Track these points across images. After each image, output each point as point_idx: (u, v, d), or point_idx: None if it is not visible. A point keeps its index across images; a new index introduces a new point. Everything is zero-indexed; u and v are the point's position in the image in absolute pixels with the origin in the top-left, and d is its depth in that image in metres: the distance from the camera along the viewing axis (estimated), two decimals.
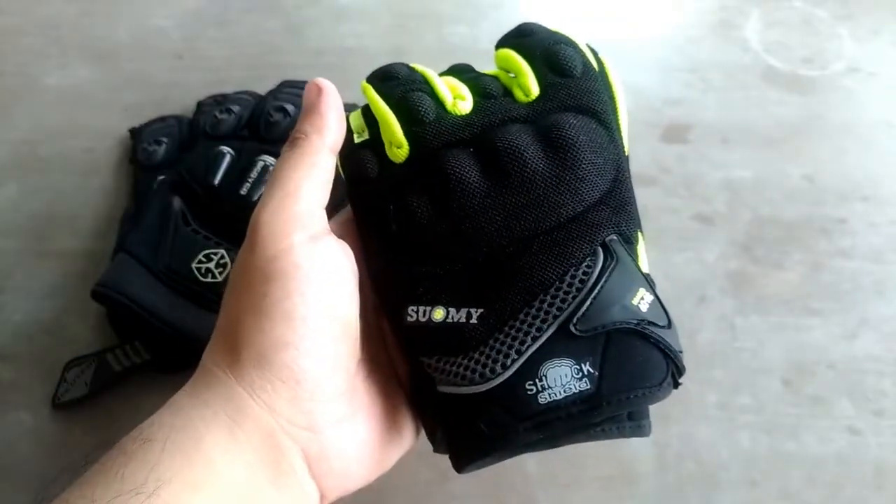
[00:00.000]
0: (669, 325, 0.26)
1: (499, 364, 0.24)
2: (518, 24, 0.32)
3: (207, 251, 0.40)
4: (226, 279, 0.39)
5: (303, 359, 0.24)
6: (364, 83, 0.30)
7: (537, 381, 0.24)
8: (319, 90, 0.28)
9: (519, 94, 0.28)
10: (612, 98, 0.29)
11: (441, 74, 0.31)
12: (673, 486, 0.36)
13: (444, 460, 0.28)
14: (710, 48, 0.56)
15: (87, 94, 0.53)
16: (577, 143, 0.26)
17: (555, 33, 0.30)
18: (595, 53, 0.31)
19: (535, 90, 0.28)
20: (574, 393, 0.24)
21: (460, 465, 0.26)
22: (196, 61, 0.55)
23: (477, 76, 0.30)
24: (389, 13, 0.58)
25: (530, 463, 0.37)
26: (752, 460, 0.37)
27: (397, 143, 0.27)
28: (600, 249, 0.25)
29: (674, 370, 0.25)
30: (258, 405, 0.24)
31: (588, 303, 0.24)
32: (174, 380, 0.38)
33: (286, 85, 0.48)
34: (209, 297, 0.39)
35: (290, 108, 0.45)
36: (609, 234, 0.26)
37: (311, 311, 0.25)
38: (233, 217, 0.41)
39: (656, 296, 0.26)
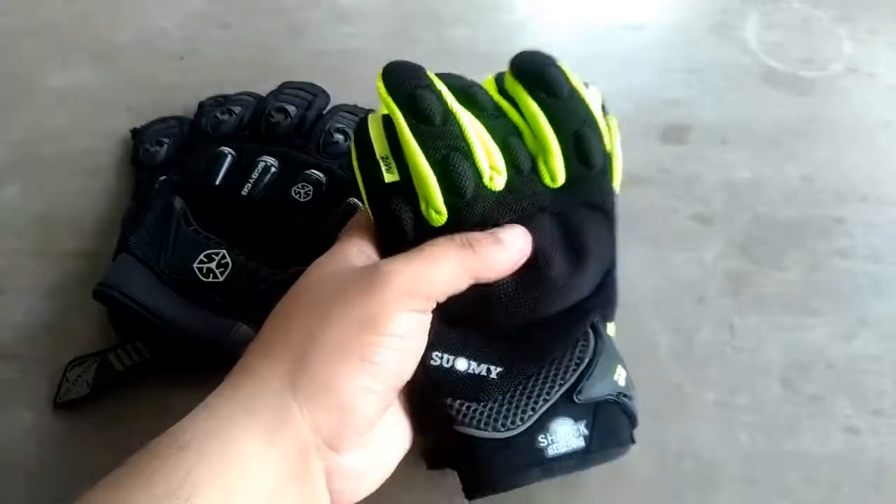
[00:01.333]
0: (633, 395, 0.33)
1: (518, 418, 0.30)
2: (535, 58, 0.35)
3: (209, 251, 0.40)
4: (227, 279, 0.39)
5: (363, 396, 0.27)
6: (396, 111, 0.31)
7: (549, 434, 0.30)
8: (518, 239, 0.30)
9: (545, 176, 0.32)
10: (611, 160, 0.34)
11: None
12: (672, 486, 0.37)
13: None
14: (709, 49, 0.56)
15: (88, 94, 0.53)
16: (591, 252, 0.32)
17: (579, 101, 0.33)
18: (605, 113, 0.35)
19: (561, 178, 0.32)
20: (573, 448, 0.30)
21: (472, 495, 0.30)
22: (197, 62, 0.55)
23: (497, 117, 0.33)
24: (390, 14, 0.58)
25: None
26: (751, 460, 0.37)
27: (437, 209, 0.30)
28: (590, 330, 0.32)
29: (631, 432, 0.33)
30: (303, 421, 0.26)
31: (586, 379, 0.31)
32: (175, 380, 0.39)
33: (287, 86, 0.48)
34: (210, 297, 0.39)
35: (290, 108, 0.46)
36: (597, 318, 0.32)
37: (388, 364, 0.27)
38: (234, 217, 0.42)
39: (626, 369, 0.33)
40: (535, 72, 0.33)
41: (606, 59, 0.56)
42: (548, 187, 0.32)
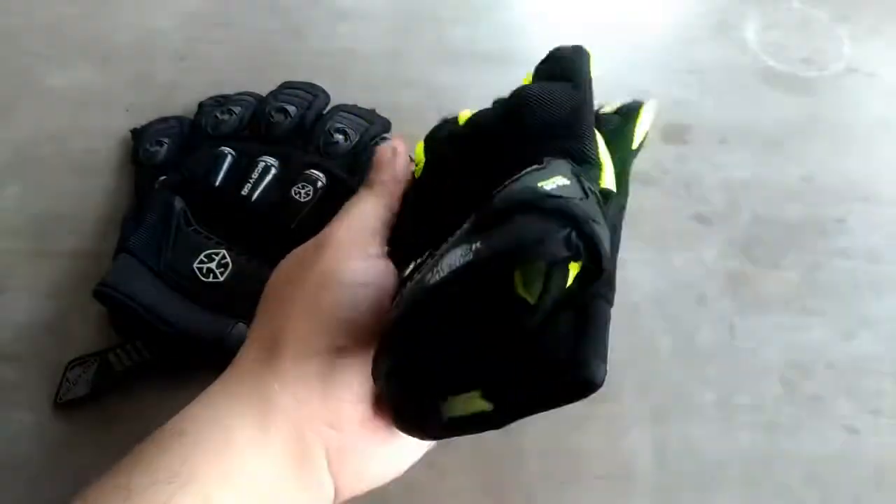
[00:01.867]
0: (586, 196, 0.23)
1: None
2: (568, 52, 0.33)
3: (209, 251, 0.40)
4: (227, 279, 0.39)
5: (338, 357, 0.26)
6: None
7: (436, 271, 0.22)
8: (395, 152, 0.33)
9: None
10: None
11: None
12: (671, 485, 0.37)
13: (443, 457, 0.28)
14: (709, 49, 0.56)
15: (88, 94, 0.53)
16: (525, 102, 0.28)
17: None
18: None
19: None
20: (459, 265, 0.21)
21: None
22: (197, 62, 0.55)
23: None
24: (390, 14, 0.58)
25: (530, 460, 0.38)
26: (751, 459, 0.37)
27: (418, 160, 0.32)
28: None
29: (561, 225, 0.21)
30: (288, 398, 0.26)
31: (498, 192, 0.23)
32: (176, 379, 0.39)
33: (287, 86, 0.48)
34: (211, 297, 0.39)
35: (290, 108, 0.46)
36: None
37: (357, 317, 0.27)
38: (234, 217, 0.42)
39: (580, 181, 0.24)
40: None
41: (606, 59, 0.56)
42: None
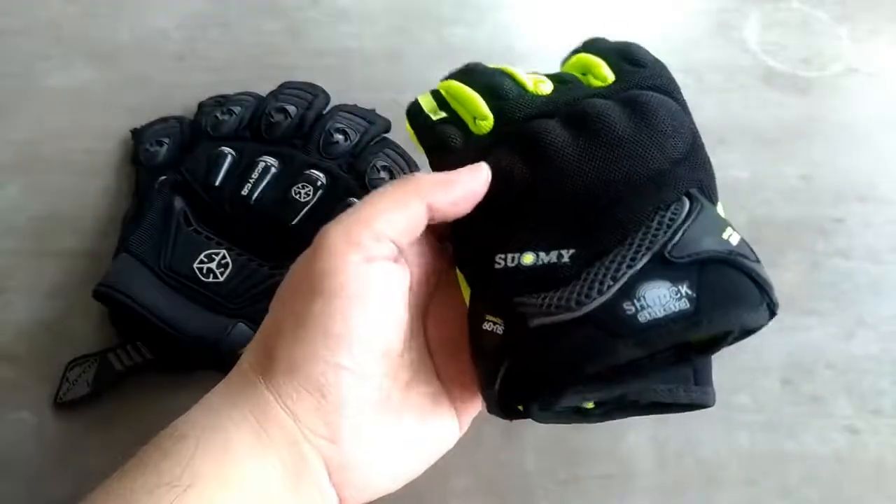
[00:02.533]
0: (758, 260, 0.26)
1: (595, 290, 0.25)
2: (609, 41, 0.33)
3: (209, 251, 0.40)
4: (227, 279, 0.39)
5: (332, 373, 0.25)
6: (444, 80, 0.33)
7: (636, 301, 0.24)
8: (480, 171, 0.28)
9: (595, 82, 0.30)
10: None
11: (461, 77, 0.33)
12: (672, 485, 0.37)
13: (443, 457, 0.28)
14: (708, 49, 0.56)
15: (88, 95, 0.53)
16: (657, 107, 0.28)
17: (663, 66, 0.32)
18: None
19: (610, 77, 0.30)
20: (674, 311, 0.24)
21: (543, 393, 0.25)
22: (197, 62, 0.55)
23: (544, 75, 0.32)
24: (389, 14, 0.58)
25: (530, 460, 0.38)
26: (751, 459, 0.37)
27: (482, 116, 0.29)
28: (685, 197, 0.27)
29: (768, 299, 0.25)
30: (283, 411, 0.25)
31: (680, 234, 0.25)
32: (176, 379, 0.39)
33: (287, 86, 0.48)
34: (211, 297, 0.39)
35: (290, 108, 0.46)
36: (692, 187, 0.27)
37: (351, 332, 0.25)
38: (234, 217, 0.42)
39: (742, 237, 0.27)
40: (618, 46, 0.32)
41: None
42: (595, 87, 0.30)
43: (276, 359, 0.25)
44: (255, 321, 0.38)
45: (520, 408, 0.26)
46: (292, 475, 0.25)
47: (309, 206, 0.42)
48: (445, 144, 0.29)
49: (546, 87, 0.30)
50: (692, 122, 0.30)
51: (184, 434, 0.25)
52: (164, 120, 0.49)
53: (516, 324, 0.26)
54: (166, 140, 0.47)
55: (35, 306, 0.42)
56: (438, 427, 0.28)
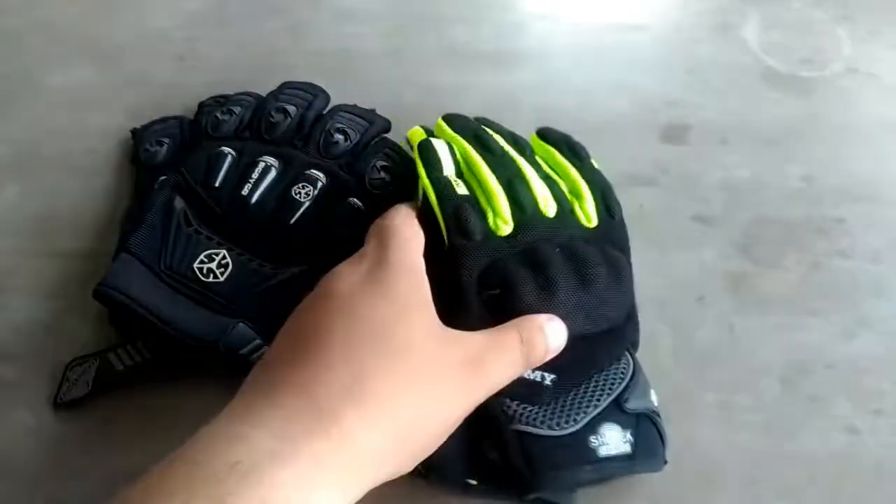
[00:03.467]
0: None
1: (571, 419, 0.33)
2: (557, 132, 0.43)
3: (209, 251, 0.40)
4: (227, 279, 0.39)
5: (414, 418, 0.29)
6: (464, 143, 0.39)
7: (599, 437, 0.33)
8: None
9: (581, 217, 0.38)
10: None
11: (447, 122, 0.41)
12: (672, 485, 0.37)
13: None
14: (709, 49, 0.56)
15: (88, 94, 0.53)
16: (624, 271, 0.37)
17: (597, 170, 0.42)
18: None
19: (594, 220, 0.38)
20: (621, 452, 0.33)
21: (526, 491, 0.33)
22: (197, 62, 0.55)
23: (535, 165, 0.40)
24: (390, 14, 0.58)
25: None
26: (751, 459, 0.37)
27: (504, 221, 0.36)
28: (627, 353, 0.36)
29: (664, 453, 0.35)
30: (373, 449, 0.27)
31: (630, 387, 0.34)
32: (176, 379, 0.39)
33: (287, 86, 0.48)
34: (211, 297, 0.39)
35: (291, 109, 0.46)
36: (632, 345, 0.37)
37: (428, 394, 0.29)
38: (234, 217, 0.42)
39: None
40: (562, 137, 0.42)
41: (606, 59, 0.56)
42: (584, 226, 0.38)
43: (368, 397, 0.27)
44: (255, 321, 0.38)
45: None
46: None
47: (309, 205, 0.42)
48: (469, 234, 0.35)
49: (552, 210, 0.37)
50: (633, 286, 0.38)
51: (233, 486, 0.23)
52: (164, 120, 0.49)
53: (501, 421, 0.33)
54: (166, 140, 0.47)
55: (34, 306, 0.42)
56: None
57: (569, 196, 0.39)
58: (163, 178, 0.44)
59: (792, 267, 0.44)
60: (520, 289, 0.34)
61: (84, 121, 0.51)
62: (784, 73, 0.54)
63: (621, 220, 0.40)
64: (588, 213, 0.38)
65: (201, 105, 0.49)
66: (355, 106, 0.48)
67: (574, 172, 0.40)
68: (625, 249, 0.39)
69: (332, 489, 0.25)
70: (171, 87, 0.53)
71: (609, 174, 0.43)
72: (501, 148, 0.39)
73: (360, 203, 0.42)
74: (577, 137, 0.43)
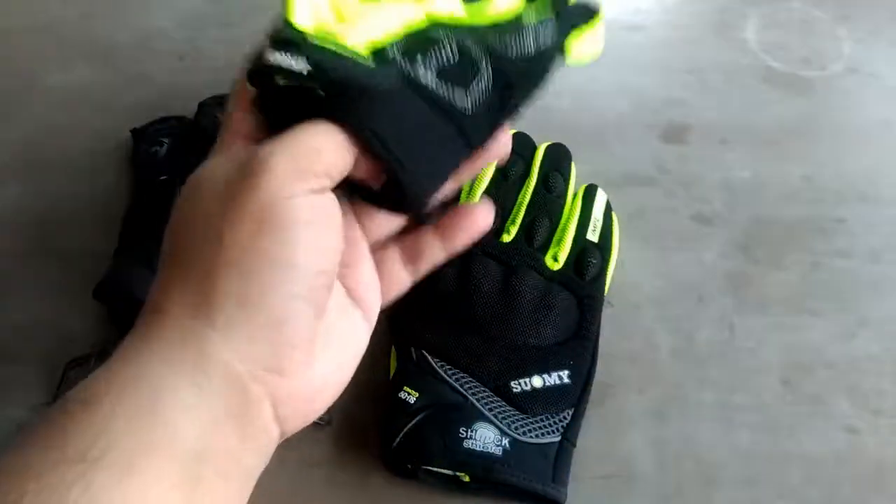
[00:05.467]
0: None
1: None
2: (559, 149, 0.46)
3: None
4: None
5: (289, 305, 0.23)
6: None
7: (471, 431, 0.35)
8: None
9: (550, 258, 0.41)
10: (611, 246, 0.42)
11: None
12: (672, 485, 0.37)
13: None
14: (709, 49, 0.56)
15: (88, 94, 0.53)
16: (557, 311, 0.39)
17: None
18: (609, 211, 0.44)
19: (561, 263, 0.41)
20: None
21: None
22: (197, 62, 0.55)
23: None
24: None
25: None
26: (751, 459, 0.37)
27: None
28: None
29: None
30: (229, 352, 0.23)
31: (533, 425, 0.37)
32: None
33: None
34: None
35: None
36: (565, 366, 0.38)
37: (307, 262, 0.24)
38: None
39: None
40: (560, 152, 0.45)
41: (606, 59, 0.56)
42: (541, 260, 0.41)
43: (220, 295, 0.23)
44: None
45: (409, 466, 0.35)
46: (236, 419, 0.23)
47: None
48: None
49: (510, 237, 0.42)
50: (576, 319, 0.40)
51: (95, 397, 0.21)
52: (163, 120, 0.49)
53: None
54: (166, 140, 0.47)
55: (34, 306, 0.42)
56: (356, 335, 0.28)
57: (554, 236, 0.42)
58: (163, 178, 0.44)
59: (792, 267, 0.44)
60: (476, 286, 0.39)
61: (84, 121, 0.51)
62: (784, 73, 0.54)
63: (594, 286, 0.41)
64: (559, 256, 0.41)
65: (201, 105, 0.49)
66: None
67: (573, 226, 0.42)
68: (585, 306, 0.40)
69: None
70: (171, 87, 0.53)
71: (609, 174, 0.43)
72: (518, 175, 0.44)
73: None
74: (576, 138, 0.43)
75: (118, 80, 0.54)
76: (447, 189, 0.28)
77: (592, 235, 0.42)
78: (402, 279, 0.30)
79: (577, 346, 0.39)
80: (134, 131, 0.49)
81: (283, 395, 0.24)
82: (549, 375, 0.37)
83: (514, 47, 0.27)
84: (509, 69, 0.27)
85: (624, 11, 0.59)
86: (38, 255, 0.45)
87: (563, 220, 0.42)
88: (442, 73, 0.25)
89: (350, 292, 0.28)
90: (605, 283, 0.41)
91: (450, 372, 0.37)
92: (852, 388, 0.40)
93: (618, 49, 0.56)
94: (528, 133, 0.45)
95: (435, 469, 0.34)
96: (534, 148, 0.45)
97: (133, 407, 0.21)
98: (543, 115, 0.48)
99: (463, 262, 0.39)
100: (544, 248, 0.41)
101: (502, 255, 0.41)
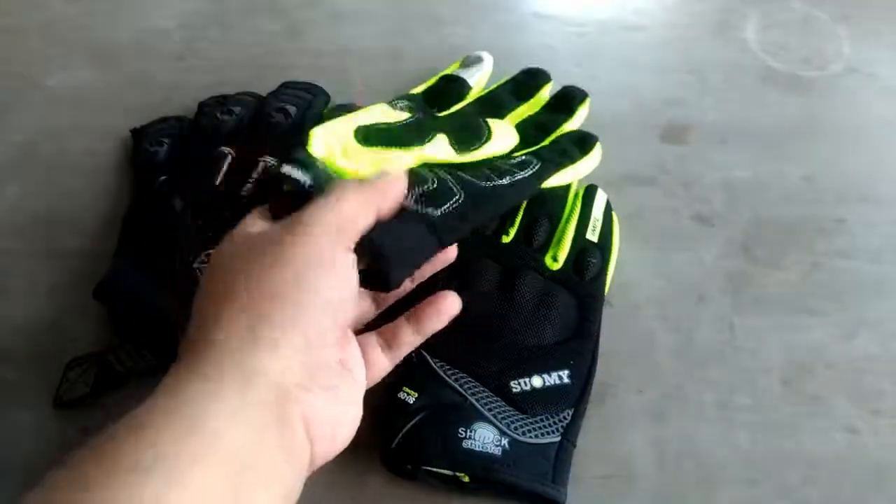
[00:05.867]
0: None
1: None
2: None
3: (209, 251, 0.40)
4: None
5: (327, 343, 0.28)
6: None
7: (470, 431, 0.36)
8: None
9: (549, 258, 0.41)
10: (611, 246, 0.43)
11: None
12: (672, 485, 0.37)
13: None
14: (709, 49, 0.56)
15: (88, 95, 0.53)
16: (556, 311, 0.39)
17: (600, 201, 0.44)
18: (609, 211, 0.44)
19: (560, 263, 0.41)
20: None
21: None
22: (197, 62, 0.55)
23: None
24: (389, 14, 0.58)
25: None
26: (751, 459, 0.37)
27: None
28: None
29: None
30: (271, 365, 0.26)
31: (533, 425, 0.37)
32: None
33: (286, 86, 0.48)
34: None
35: (290, 109, 0.46)
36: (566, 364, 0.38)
37: (341, 300, 0.28)
38: (234, 217, 0.42)
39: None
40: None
41: (606, 59, 0.56)
42: (541, 260, 0.41)
43: (267, 321, 0.27)
44: None
45: (408, 467, 0.35)
46: (277, 430, 0.25)
47: None
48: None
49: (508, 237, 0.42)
50: (577, 321, 0.40)
51: (144, 421, 0.23)
52: (164, 120, 0.49)
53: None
54: (166, 140, 0.47)
55: (34, 306, 0.42)
56: (355, 391, 0.31)
57: (554, 236, 0.42)
58: (163, 178, 0.44)
59: (792, 267, 0.44)
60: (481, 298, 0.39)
61: (85, 122, 0.51)
62: (784, 73, 0.54)
63: (594, 285, 0.41)
64: (559, 256, 0.41)
65: (201, 105, 0.49)
66: (354, 105, 0.48)
67: (572, 226, 0.42)
68: (585, 305, 0.40)
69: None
70: (171, 87, 0.53)
71: (609, 174, 0.43)
72: None
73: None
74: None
75: (118, 80, 0.54)
76: (419, 274, 0.36)
77: (592, 235, 0.42)
78: (383, 363, 0.34)
79: (577, 345, 0.38)
80: (134, 131, 0.49)
81: (311, 413, 0.27)
82: (549, 375, 0.37)
83: (490, 183, 0.35)
84: (480, 194, 0.34)
85: (624, 11, 0.59)
86: (38, 255, 0.45)
87: (562, 220, 0.42)
88: (420, 199, 0.32)
89: (343, 364, 0.31)
90: (605, 283, 0.41)
91: (449, 372, 0.37)
92: (852, 388, 0.40)
93: (618, 49, 0.56)
94: None
95: (434, 469, 0.34)
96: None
97: (178, 420, 0.23)
98: None
99: (463, 263, 0.40)
100: (544, 249, 0.41)
101: (502, 255, 0.41)
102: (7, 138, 0.50)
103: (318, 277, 0.28)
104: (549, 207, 0.42)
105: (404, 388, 0.36)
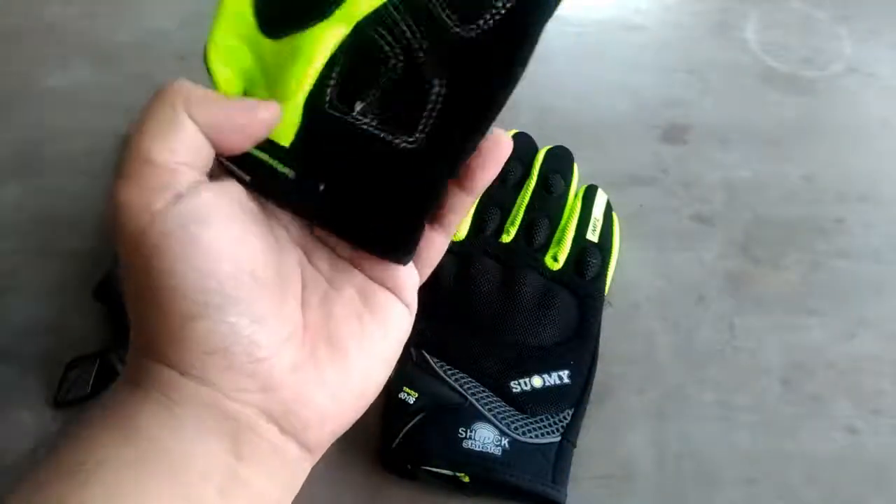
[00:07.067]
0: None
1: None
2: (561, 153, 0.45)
3: None
4: None
5: (217, 326, 0.21)
6: None
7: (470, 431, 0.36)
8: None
9: (550, 258, 0.41)
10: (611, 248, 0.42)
11: None
12: (672, 485, 0.37)
13: None
14: (709, 49, 0.56)
15: (88, 95, 0.53)
16: (555, 311, 0.39)
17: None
18: (610, 211, 0.44)
19: (561, 263, 0.41)
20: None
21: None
22: (197, 62, 0.54)
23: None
24: None
25: None
26: (751, 459, 0.37)
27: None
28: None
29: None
30: (193, 381, 0.21)
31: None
32: None
33: None
34: None
35: None
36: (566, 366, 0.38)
37: (203, 276, 0.21)
38: None
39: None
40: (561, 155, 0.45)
41: (606, 59, 0.56)
42: (542, 261, 0.41)
43: (155, 340, 0.21)
44: None
45: (409, 467, 0.35)
46: (226, 440, 0.22)
47: None
48: None
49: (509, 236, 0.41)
50: (578, 321, 0.40)
51: (79, 462, 0.20)
52: None
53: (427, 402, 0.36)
54: None
55: (35, 306, 0.42)
56: (384, 318, 0.25)
57: (554, 236, 0.42)
58: None
59: (792, 267, 0.44)
60: (478, 289, 0.39)
61: (85, 122, 0.51)
62: (784, 73, 0.54)
63: (594, 285, 0.40)
64: (559, 257, 0.41)
65: None
66: None
67: (573, 226, 0.42)
68: (586, 305, 0.40)
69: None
70: None
71: (609, 174, 0.43)
72: (517, 178, 0.44)
73: None
74: (577, 138, 0.43)
75: (118, 80, 0.54)
76: (462, 203, 0.26)
77: (592, 235, 0.42)
78: (438, 240, 0.27)
79: (578, 345, 0.38)
80: None
81: (279, 410, 0.22)
82: (549, 375, 0.37)
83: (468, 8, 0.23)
84: (463, 50, 0.23)
85: (624, 11, 0.59)
86: (38, 255, 0.45)
87: (563, 220, 0.42)
88: (385, 117, 0.23)
89: (375, 273, 0.25)
90: (605, 283, 0.41)
91: (449, 372, 0.37)
92: (852, 388, 0.40)
93: (618, 49, 0.56)
94: (527, 133, 0.46)
95: (434, 469, 0.34)
96: (535, 151, 0.45)
97: (118, 428, 0.21)
98: (543, 115, 0.48)
99: (463, 263, 0.40)
100: (544, 248, 0.41)
101: (502, 255, 0.41)
102: (8, 139, 0.50)
103: (160, 270, 0.21)
104: (549, 207, 0.42)
105: (404, 388, 0.36)
